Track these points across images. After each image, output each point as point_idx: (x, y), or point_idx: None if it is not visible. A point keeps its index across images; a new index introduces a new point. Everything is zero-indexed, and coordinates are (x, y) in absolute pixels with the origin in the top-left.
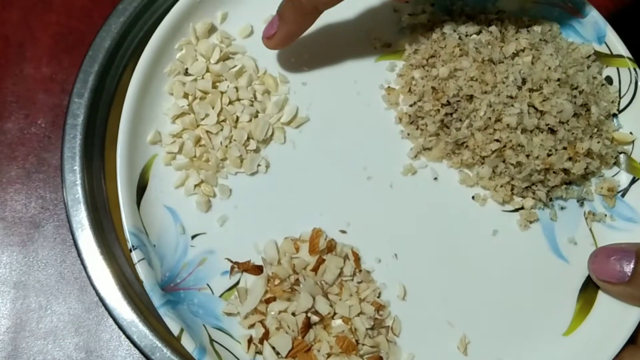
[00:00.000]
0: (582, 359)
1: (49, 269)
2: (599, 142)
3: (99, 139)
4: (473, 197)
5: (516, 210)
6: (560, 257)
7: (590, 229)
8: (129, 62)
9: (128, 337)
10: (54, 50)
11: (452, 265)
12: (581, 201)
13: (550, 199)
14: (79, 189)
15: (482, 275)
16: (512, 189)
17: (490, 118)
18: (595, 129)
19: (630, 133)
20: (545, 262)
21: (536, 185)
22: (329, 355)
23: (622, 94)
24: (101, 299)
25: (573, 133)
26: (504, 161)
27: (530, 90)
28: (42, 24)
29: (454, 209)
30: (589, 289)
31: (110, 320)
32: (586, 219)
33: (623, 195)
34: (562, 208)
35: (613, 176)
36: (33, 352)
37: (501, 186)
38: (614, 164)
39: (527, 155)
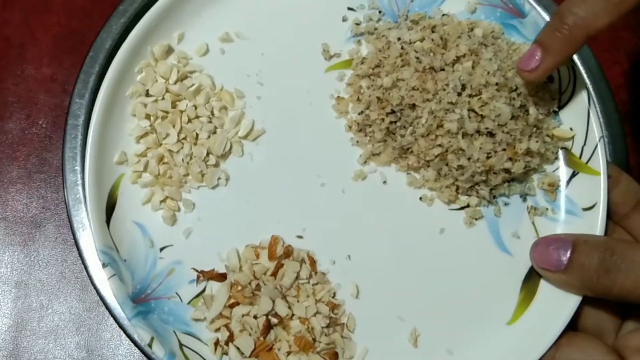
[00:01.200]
0: (525, 346)
1: (50, 268)
2: (537, 141)
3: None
4: (420, 198)
5: (462, 208)
6: (504, 250)
7: (533, 223)
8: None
9: (128, 336)
10: (55, 51)
11: (402, 263)
12: (524, 196)
13: (494, 197)
14: (80, 188)
15: (431, 272)
16: (457, 189)
17: (432, 125)
18: (535, 129)
19: (570, 129)
20: (490, 256)
21: (479, 185)
22: (288, 353)
23: (562, 91)
24: (102, 298)
25: (511, 135)
26: (447, 164)
27: (470, 95)
28: (42, 24)
29: (403, 210)
30: (531, 280)
31: (111, 319)
32: (529, 213)
33: (564, 189)
34: (505, 204)
35: (554, 171)
36: (34, 351)
37: (446, 187)
38: (555, 159)
39: (469, 158)
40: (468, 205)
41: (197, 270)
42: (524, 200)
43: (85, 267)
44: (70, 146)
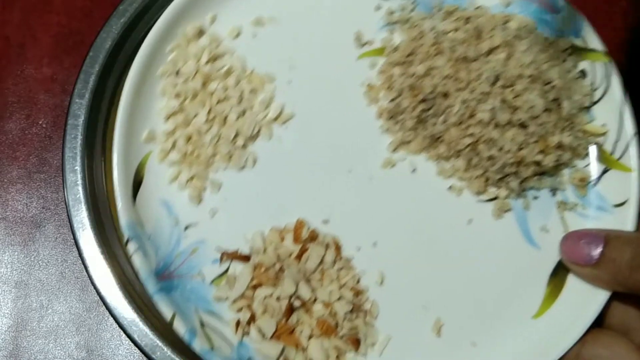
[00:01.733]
0: (550, 341)
1: (50, 268)
2: (570, 135)
3: (99, 139)
4: (449, 188)
5: (490, 200)
6: (532, 244)
7: (562, 217)
8: (129, 62)
9: (129, 336)
10: (55, 51)
11: (428, 253)
12: (554, 191)
13: (524, 189)
14: (80, 188)
15: (457, 262)
16: (486, 180)
17: (464, 114)
18: (567, 122)
19: (603, 125)
20: (518, 249)
21: (509, 177)
22: (310, 337)
23: (596, 87)
24: (102, 298)
25: (544, 127)
26: (477, 154)
27: (503, 86)
28: (42, 24)
29: (431, 199)
30: (559, 274)
31: (111, 319)
32: (558, 207)
33: (594, 185)
34: (535, 198)
35: (585, 167)
36: (34, 351)
37: (476, 178)
38: (586, 154)
39: (500, 149)
40: (497, 197)
41: (221, 251)
42: (554, 194)
43: (85, 267)
44: (70, 146)
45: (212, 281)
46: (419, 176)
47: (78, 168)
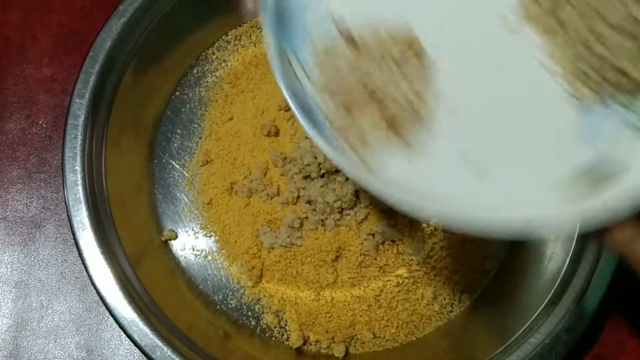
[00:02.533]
0: None
1: (50, 268)
2: None
3: (99, 139)
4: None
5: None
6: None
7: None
8: (129, 62)
9: (129, 336)
10: (55, 51)
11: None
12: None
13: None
14: (80, 189)
15: None
16: (585, 75)
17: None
18: None
19: None
20: None
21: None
22: None
23: None
24: (102, 298)
25: None
26: (590, 50)
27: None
28: (42, 24)
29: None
30: None
31: (111, 320)
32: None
33: None
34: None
35: None
36: (34, 351)
37: (577, 69)
38: None
39: (613, 54)
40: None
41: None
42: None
43: (85, 267)
44: (70, 146)
45: None
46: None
47: (78, 168)
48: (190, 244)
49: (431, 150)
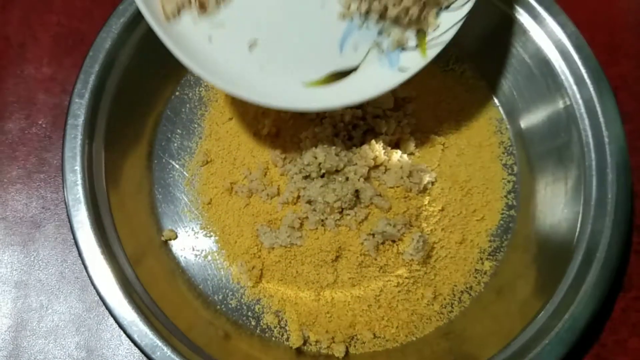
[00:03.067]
0: None
1: (49, 268)
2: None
3: (99, 139)
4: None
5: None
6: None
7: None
8: (129, 62)
9: (129, 336)
10: (55, 51)
11: None
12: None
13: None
14: (80, 188)
15: None
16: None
17: None
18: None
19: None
20: None
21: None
22: None
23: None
24: (102, 298)
25: None
26: None
27: None
28: (42, 24)
29: None
30: None
31: (111, 320)
32: (372, 44)
33: (402, 50)
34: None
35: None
36: (34, 351)
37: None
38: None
39: None
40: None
41: None
42: (380, 34)
43: (85, 267)
44: (70, 146)
45: None
46: None
47: (78, 168)
48: (190, 244)
49: (224, 21)
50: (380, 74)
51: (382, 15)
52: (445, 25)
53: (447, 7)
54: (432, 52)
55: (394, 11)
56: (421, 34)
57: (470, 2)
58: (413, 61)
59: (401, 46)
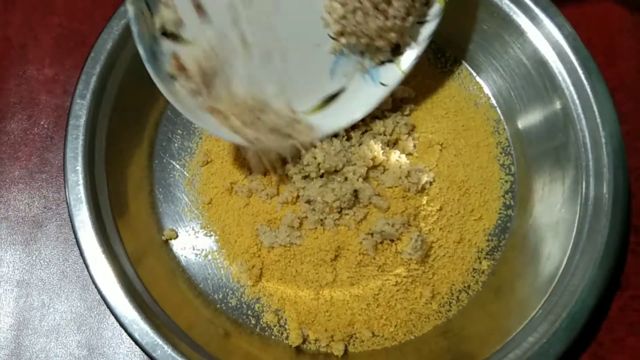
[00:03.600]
0: None
1: (51, 267)
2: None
3: (101, 139)
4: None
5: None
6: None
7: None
8: (130, 63)
9: (129, 334)
10: (56, 52)
11: None
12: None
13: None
14: (81, 188)
15: None
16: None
17: None
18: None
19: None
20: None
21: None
22: None
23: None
24: (103, 297)
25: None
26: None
27: None
28: (44, 25)
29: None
30: None
31: (112, 318)
32: (357, 66)
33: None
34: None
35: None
36: (36, 350)
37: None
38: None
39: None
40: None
41: None
42: (363, 57)
43: (87, 267)
44: (72, 146)
45: None
46: None
47: (79, 168)
48: (191, 243)
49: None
50: (366, 90)
51: (368, 45)
52: (420, 38)
53: (420, 22)
54: (408, 65)
55: (380, 43)
56: (396, 50)
57: (439, 15)
58: (392, 75)
59: (380, 63)
